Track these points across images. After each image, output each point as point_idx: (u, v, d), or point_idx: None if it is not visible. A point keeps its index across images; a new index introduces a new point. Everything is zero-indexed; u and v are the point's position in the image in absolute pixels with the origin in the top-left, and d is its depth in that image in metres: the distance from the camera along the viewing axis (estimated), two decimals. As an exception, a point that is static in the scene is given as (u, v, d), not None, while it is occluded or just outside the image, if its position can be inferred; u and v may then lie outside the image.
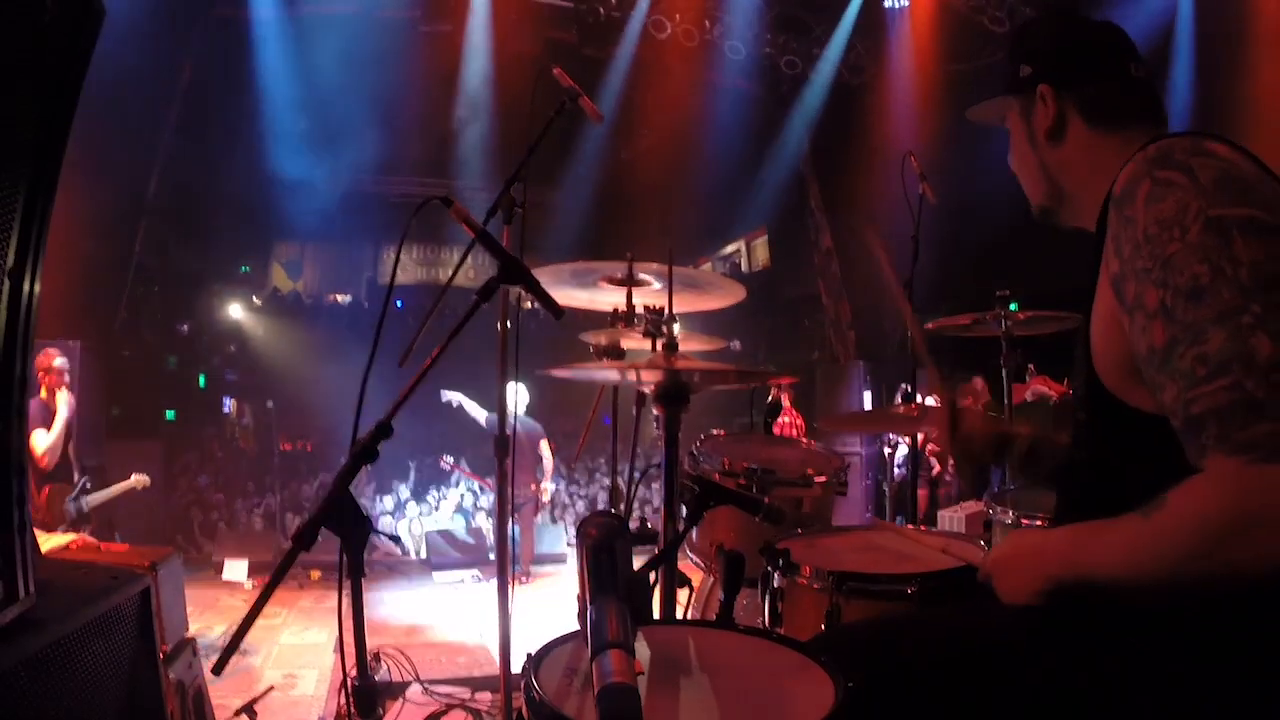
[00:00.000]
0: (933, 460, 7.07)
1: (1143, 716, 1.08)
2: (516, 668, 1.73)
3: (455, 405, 7.01)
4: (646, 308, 2.58)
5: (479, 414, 6.99)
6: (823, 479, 2.53)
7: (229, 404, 14.53)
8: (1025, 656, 1.19)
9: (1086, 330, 1.19)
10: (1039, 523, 2.19)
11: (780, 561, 1.86)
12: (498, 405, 2.81)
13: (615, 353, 2.68)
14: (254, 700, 3.19)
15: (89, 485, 5.12)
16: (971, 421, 1.66)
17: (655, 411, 2.14)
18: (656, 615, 1.88)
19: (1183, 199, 1.02)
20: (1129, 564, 1.01)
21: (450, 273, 1.97)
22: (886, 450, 6.04)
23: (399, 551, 8.62)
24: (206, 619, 5.25)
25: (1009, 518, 2.46)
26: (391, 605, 6.38)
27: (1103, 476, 1.21)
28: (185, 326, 13.58)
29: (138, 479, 5.44)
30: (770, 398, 7.90)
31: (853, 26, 8.80)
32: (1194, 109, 6.46)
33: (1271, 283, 0.95)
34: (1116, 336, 1.11)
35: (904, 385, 7.37)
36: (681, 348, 2.17)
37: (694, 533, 2.51)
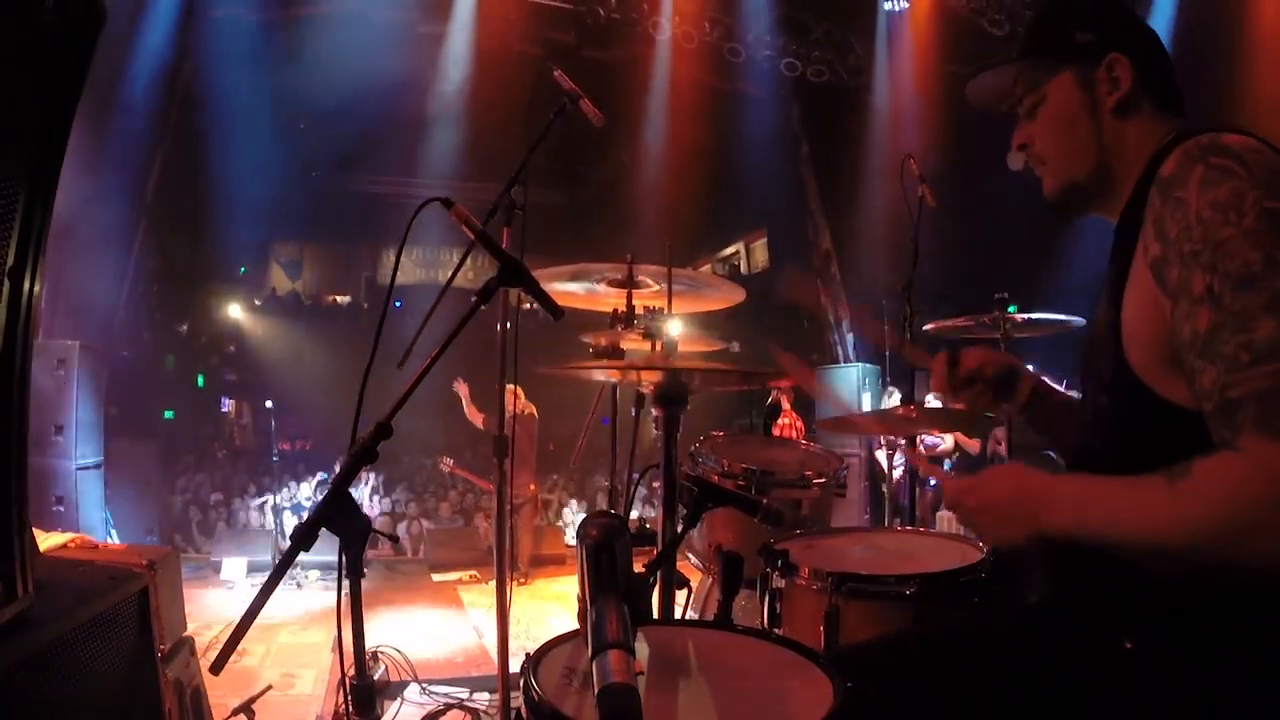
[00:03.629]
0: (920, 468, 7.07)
1: (1142, 710, 1.08)
2: (515, 667, 1.74)
3: (458, 395, 7.00)
4: (646, 308, 2.59)
5: (475, 416, 6.99)
6: (821, 480, 2.54)
7: (228, 404, 14.56)
8: (1024, 653, 1.20)
9: (1113, 316, 1.17)
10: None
11: (779, 562, 1.87)
12: (497, 405, 2.82)
13: (614, 353, 2.68)
14: (252, 699, 3.18)
15: None
16: (974, 356, 1.59)
17: (654, 412, 2.15)
18: (655, 616, 1.89)
19: (1239, 187, 1.01)
20: (1148, 528, 0.99)
21: (450, 273, 1.97)
22: (885, 453, 6.04)
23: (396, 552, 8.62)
24: (205, 618, 5.23)
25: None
26: (390, 605, 6.37)
27: (1119, 466, 1.18)
28: (184, 326, 13.59)
29: None
30: (770, 399, 7.90)
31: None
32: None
33: None
34: (1153, 320, 1.09)
35: (892, 387, 7.40)
36: (681, 349, 2.17)
37: (693, 534, 2.51)
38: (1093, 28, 1.27)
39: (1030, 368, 1.61)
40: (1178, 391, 1.07)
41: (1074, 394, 1.49)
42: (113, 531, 6.60)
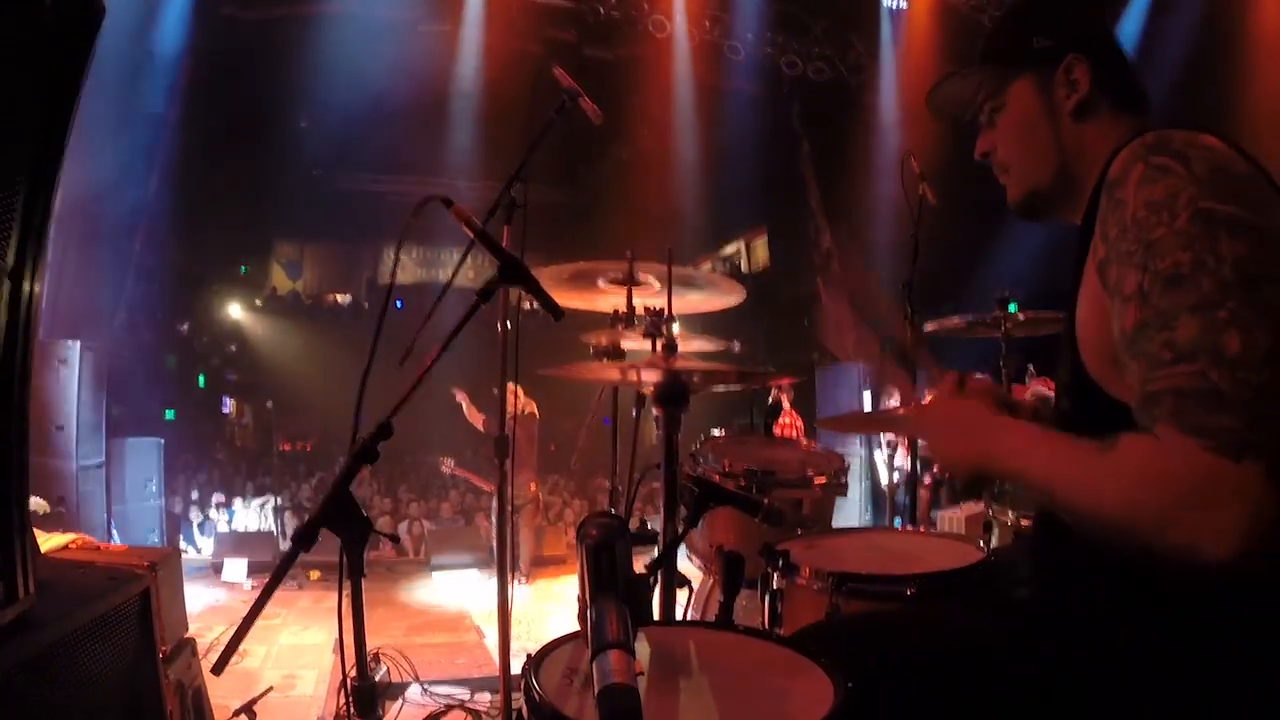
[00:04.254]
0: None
1: (1141, 709, 1.08)
2: (516, 668, 1.74)
3: (458, 402, 7.02)
4: (646, 308, 2.58)
5: (476, 418, 6.99)
6: (822, 480, 2.53)
7: (228, 404, 14.58)
8: (1022, 650, 1.20)
9: (1071, 317, 1.18)
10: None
11: (780, 562, 1.86)
12: (498, 405, 2.81)
13: (615, 353, 2.68)
14: (253, 700, 3.19)
15: None
16: (978, 383, 1.55)
17: (655, 412, 2.14)
18: (656, 616, 1.88)
19: (1175, 186, 1.01)
20: (1082, 488, 1.00)
21: (450, 273, 1.97)
22: (886, 451, 6.04)
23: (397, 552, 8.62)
24: (206, 619, 5.23)
25: (1009, 518, 2.47)
26: (390, 606, 6.38)
27: None
28: (185, 326, 13.61)
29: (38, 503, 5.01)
30: (770, 399, 7.89)
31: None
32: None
33: (1250, 282, 0.94)
34: (1101, 322, 1.10)
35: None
36: (681, 348, 2.17)
37: (694, 534, 2.51)
38: (1050, 32, 1.27)
39: (1036, 377, 1.60)
40: (1127, 392, 1.07)
41: None
42: (114, 532, 6.60)
